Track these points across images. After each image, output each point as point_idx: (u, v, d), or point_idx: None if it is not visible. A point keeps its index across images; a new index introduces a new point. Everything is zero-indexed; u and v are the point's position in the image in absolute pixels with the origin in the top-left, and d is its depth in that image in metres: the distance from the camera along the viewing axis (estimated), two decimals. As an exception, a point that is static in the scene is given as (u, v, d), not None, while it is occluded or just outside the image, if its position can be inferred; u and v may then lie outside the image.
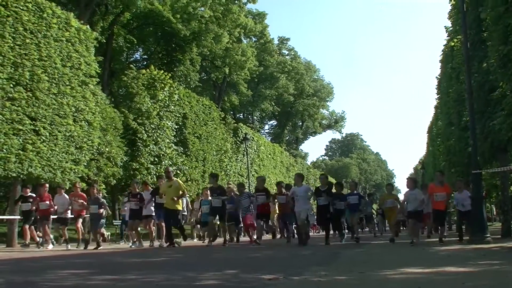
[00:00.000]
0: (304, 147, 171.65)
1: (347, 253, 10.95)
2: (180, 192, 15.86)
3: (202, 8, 46.56)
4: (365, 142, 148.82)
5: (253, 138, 40.67)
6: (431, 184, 14.17)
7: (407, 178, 15.82)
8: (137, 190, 17.02)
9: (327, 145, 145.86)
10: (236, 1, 53.45)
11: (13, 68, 16.40)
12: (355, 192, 17.78)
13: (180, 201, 16.10)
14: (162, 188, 16.15)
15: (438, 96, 29.85)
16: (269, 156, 44.45)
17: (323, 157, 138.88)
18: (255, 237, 16.91)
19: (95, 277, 6.56)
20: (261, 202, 16.66)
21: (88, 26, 21.66)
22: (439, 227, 15.51)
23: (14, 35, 16.59)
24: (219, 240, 18.42)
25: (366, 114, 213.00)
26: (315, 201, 16.41)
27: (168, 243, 16.04)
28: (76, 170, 19.14)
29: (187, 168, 27.54)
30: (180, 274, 6.74)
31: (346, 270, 6.96)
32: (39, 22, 17.76)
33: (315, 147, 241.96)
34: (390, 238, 16.00)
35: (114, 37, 43.81)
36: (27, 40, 17.09)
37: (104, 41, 38.81)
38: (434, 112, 35.16)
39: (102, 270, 7.63)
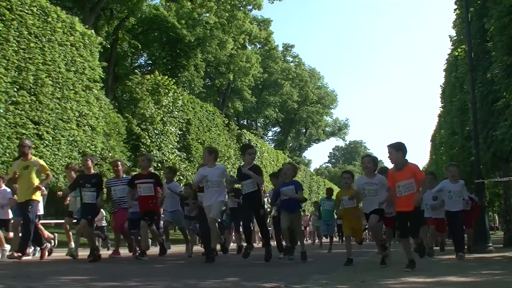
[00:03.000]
0: (308, 154, 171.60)
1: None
2: (42, 177, 11.58)
3: (207, 14, 46.63)
4: (369, 149, 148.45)
5: (256, 144, 40.66)
6: (390, 170, 8.93)
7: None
8: None
9: (330, 152, 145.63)
10: (241, 8, 53.55)
11: (17, 72, 16.41)
12: (293, 181, 11.08)
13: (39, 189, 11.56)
14: (14, 168, 11.59)
15: (441, 104, 29.85)
16: (272, 162, 44.36)
17: (326, 164, 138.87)
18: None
19: (96, 284, 6.57)
20: (145, 194, 11.26)
21: (92, 31, 21.70)
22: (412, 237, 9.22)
23: (19, 39, 16.61)
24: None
25: (370, 122, 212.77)
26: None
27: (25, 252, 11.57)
28: (79, 174, 19.14)
29: (190, 174, 27.51)
30: (181, 281, 6.74)
31: (348, 279, 6.95)
32: (43, 26, 17.78)
33: (318, 154, 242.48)
34: (347, 259, 9.88)
35: (119, 42, 43.86)
36: (32, 44, 17.11)
37: (109, 46, 38.84)
38: (437, 120, 35.14)
39: (103, 276, 7.62)
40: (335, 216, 16.06)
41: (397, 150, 8.49)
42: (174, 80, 28.29)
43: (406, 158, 8.51)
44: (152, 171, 12.24)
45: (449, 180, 11.24)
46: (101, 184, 11.34)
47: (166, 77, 27.48)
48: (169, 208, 13.24)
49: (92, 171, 11.48)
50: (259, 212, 10.60)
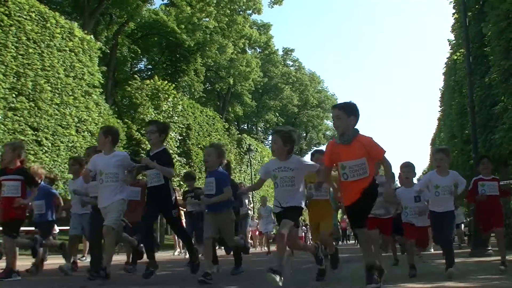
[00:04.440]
0: (308, 158, 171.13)
1: (348, 267, 10.89)
2: None
3: (207, 19, 46.62)
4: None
5: (256, 149, 40.68)
6: (330, 142, 6.24)
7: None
8: None
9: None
10: (241, 12, 53.52)
11: (15, 78, 16.42)
12: (219, 169, 7.86)
13: None
14: None
15: (441, 108, 29.90)
16: (273, 166, 44.40)
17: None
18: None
19: (92, 291, 6.55)
20: (10, 195, 8.09)
21: (92, 36, 21.75)
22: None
23: (17, 45, 16.62)
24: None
25: (370, 125, 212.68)
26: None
27: None
28: (78, 180, 19.10)
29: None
30: (179, 288, 6.72)
31: (346, 286, 6.93)
32: (42, 31, 17.80)
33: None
34: (333, 256, 8.33)
35: (118, 47, 43.89)
36: (30, 50, 17.12)
37: (108, 51, 38.86)
38: (437, 124, 35.18)
39: (103, 282, 7.59)
40: None
41: (349, 113, 5.81)
42: (174, 85, 28.37)
43: (357, 128, 5.94)
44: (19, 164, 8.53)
45: (436, 171, 7.78)
46: None
47: (166, 82, 27.54)
48: (78, 210, 9.50)
49: None
50: (171, 213, 7.79)
